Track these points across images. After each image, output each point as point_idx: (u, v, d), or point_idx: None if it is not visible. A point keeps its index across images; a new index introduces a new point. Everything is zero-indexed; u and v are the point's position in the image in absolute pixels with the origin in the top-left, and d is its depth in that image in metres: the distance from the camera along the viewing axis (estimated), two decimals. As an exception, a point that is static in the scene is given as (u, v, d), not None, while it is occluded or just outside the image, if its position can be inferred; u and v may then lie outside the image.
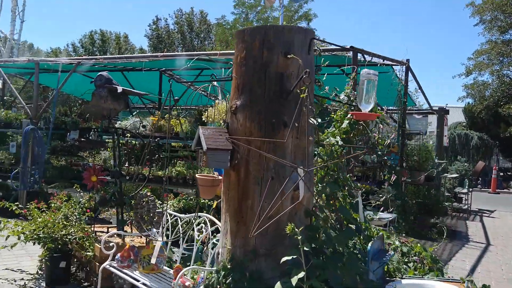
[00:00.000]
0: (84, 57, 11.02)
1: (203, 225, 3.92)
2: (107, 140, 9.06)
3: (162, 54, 7.62)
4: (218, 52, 7.01)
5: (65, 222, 4.82)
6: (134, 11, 64.85)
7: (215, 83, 3.55)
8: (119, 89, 4.67)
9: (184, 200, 6.92)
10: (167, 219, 4.40)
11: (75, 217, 4.97)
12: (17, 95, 9.11)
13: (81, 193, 5.61)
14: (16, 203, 5.28)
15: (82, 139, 7.71)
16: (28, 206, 5.10)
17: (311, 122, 2.73)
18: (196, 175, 3.51)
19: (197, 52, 7.49)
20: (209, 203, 6.36)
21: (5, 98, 15.04)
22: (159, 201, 4.84)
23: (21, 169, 8.15)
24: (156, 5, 64.60)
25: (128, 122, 8.27)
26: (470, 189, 12.89)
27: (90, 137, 7.72)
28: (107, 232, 5.01)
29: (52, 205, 5.18)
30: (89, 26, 77.20)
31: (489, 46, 23.96)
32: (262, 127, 2.68)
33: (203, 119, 6.97)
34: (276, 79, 2.70)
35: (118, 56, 10.23)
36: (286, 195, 2.62)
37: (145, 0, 63.95)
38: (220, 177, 3.51)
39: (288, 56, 2.67)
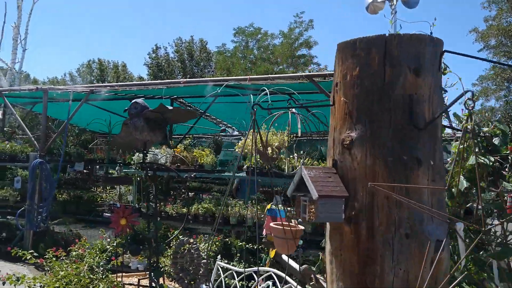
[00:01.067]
0: (96, 84, 10.43)
1: (270, 285, 3.22)
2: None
3: (184, 80, 7.04)
4: (248, 77, 6.45)
5: (91, 276, 4.09)
6: (132, 40, 65.01)
7: (293, 110, 2.93)
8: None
9: (217, 242, 6.19)
10: (218, 273, 3.70)
11: (101, 269, 4.24)
12: (23, 127, 8.44)
13: (106, 236, 4.89)
14: (31, 251, 4.56)
15: (107, 176, 7.02)
16: (46, 256, 4.37)
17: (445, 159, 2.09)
18: (271, 224, 2.84)
19: (224, 78, 6.92)
20: (247, 246, 5.64)
21: (4, 129, 14.38)
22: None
23: (28, 207, 7.41)
24: (154, 34, 64.86)
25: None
26: None
27: (116, 173, 7.02)
28: (138, 285, 4.28)
29: (74, 253, 4.45)
30: (87, 56, 77.14)
31: (494, 71, 23.78)
32: (389, 166, 2.04)
33: (236, 150, 6.33)
34: (403, 103, 2.08)
35: (134, 83, 9.64)
36: (426, 259, 1.96)
37: (143, 29, 64.20)
38: (301, 227, 2.85)
39: (419, 73, 2.07)
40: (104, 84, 8.82)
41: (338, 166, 2.18)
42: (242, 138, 14.41)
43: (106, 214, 7.18)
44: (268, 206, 4.12)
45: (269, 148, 5.77)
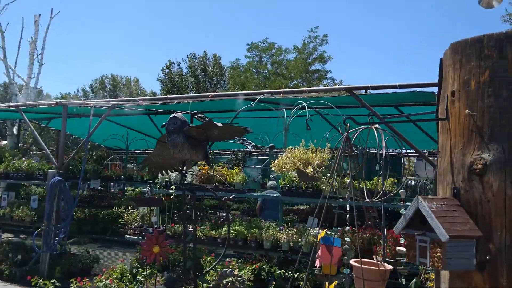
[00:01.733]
0: (118, 99, 10.11)
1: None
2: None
3: (212, 94, 6.64)
4: (281, 90, 6.02)
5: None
6: (145, 56, 65.19)
7: (377, 125, 2.48)
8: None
9: (250, 267, 5.67)
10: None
11: (132, 303, 3.78)
12: (40, 142, 8.07)
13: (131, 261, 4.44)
14: (52, 281, 4.11)
15: (140, 197, 6.61)
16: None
17: None
18: (352, 262, 2.37)
19: (257, 91, 6.51)
20: (286, 273, 5.12)
21: (19, 144, 14.08)
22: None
23: (45, 228, 6.98)
24: (168, 50, 65.05)
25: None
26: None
27: (147, 194, 6.59)
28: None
29: (101, 284, 4.00)
30: (100, 71, 77.63)
31: None
32: (540, 198, 1.58)
33: (272, 168, 5.87)
34: (553, 117, 1.63)
35: (157, 97, 9.27)
36: None
37: (156, 44, 64.44)
38: (389, 266, 2.37)
39: None
40: (126, 98, 8.50)
41: (463, 196, 1.72)
42: (261, 154, 14.01)
43: (129, 236, 6.72)
44: (322, 234, 3.65)
45: (309, 167, 5.31)
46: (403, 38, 55.76)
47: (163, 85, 32.97)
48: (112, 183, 14.21)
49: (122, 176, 11.55)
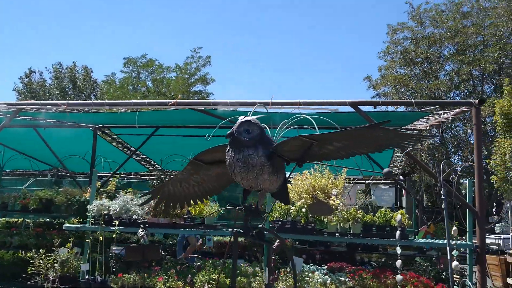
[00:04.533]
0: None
1: None
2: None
3: (174, 101, 5.14)
4: (270, 101, 4.90)
5: None
6: (-1, 61, 55.49)
7: None
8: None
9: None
10: None
11: None
12: None
13: None
14: None
15: (131, 247, 4.57)
16: None
17: None
18: None
19: (235, 101, 5.19)
20: None
21: None
22: None
23: None
24: (27, 57, 56.53)
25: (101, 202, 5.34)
26: None
27: (142, 240, 4.62)
28: None
29: None
30: None
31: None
32: None
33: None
34: None
35: (85, 102, 7.22)
36: None
37: (12, 49, 55.51)
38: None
39: None
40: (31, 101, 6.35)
41: None
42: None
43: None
44: None
45: (332, 197, 4.25)
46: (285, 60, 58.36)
47: (20, 96, 28.46)
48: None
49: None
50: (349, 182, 4.92)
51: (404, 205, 13.41)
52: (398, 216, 4.13)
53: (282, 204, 4.81)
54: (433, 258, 7.09)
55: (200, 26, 53.28)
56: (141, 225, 4.63)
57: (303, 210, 4.77)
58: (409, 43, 23.17)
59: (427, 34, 22.63)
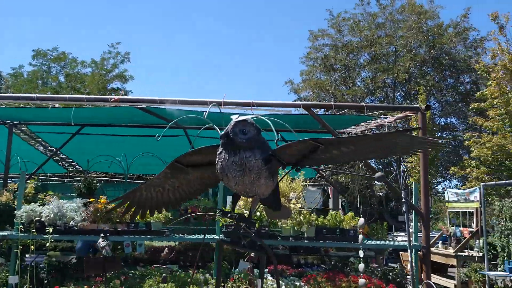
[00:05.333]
0: None
1: None
2: None
3: (117, 97, 4.71)
4: (222, 100, 4.68)
5: None
6: None
7: None
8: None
9: None
10: None
11: None
12: None
13: None
14: None
15: (89, 258, 3.89)
16: None
17: None
18: None
19: (182, 99, 4.88)
20: None
21: None
22: None
23: None
24: None
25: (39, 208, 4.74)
26: None
27: (104, 251, 3.96)
28: None
29: None
30: None
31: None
32: None
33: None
34: None
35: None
36: None
37: None
38: None
39: None
40: None
41: None
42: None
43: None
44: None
45: (292, 200, 4.15)
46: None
47: None
48: None
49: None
50: (305, 185, 4.90)
51: (330, 206, 13.86)
52: (361, 220, 4.16)
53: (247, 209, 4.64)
54: (368, 259, 7.32)
55: (120, 21, 51.06)
56: (101, 234, 4.14)
57: (257, 214, 4.63)
58: (329, 50, 24.10)
59: (346, 42, 23.70)
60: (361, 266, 4.06)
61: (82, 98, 5.32)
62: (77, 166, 10.99)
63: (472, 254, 9.76)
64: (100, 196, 6.04)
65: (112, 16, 50.76)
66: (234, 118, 2.28)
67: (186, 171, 2.57)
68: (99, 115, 6.99)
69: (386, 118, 5.37)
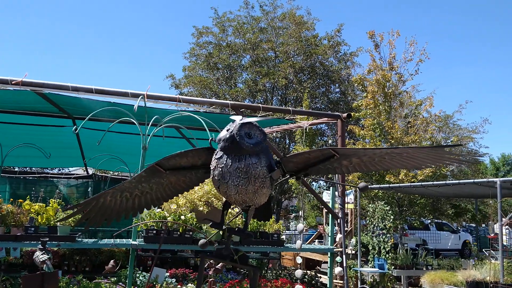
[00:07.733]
0: None
1: None
2: None
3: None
4: (145, 93, 4.26)
5: None
6: None
7: None
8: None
9: None
10: None
11: None
12: None
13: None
14: None
15: (28, 275, 2.77)
16: None
17: None
18: None
19: (118, 90, 4.27)
20: None
21: None
22: None
23: None
24: None
25: None
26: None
27: (45, 266, 2.91)
28: None
29: None
30: None
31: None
32: None
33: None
34: None
35: None
36: None
37: None
38: None
39: None
40: None
41: None
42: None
43: None
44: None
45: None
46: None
47: None
48: None
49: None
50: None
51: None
52: (300, 226, 4.15)
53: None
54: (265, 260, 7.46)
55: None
56: (39, 246, 3.30)
57: (182, 218, 4.34)
58: (212, 48, 24.10)
59: (230, 42, 23.96)
60: (298, 272, 4.08)
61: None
62: None
63: (347, 252, 10.67)
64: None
65: None
66: (238, 119, 2.04)
67: (162, 175, 2.24)
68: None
69: (303, 122, 5.53)
